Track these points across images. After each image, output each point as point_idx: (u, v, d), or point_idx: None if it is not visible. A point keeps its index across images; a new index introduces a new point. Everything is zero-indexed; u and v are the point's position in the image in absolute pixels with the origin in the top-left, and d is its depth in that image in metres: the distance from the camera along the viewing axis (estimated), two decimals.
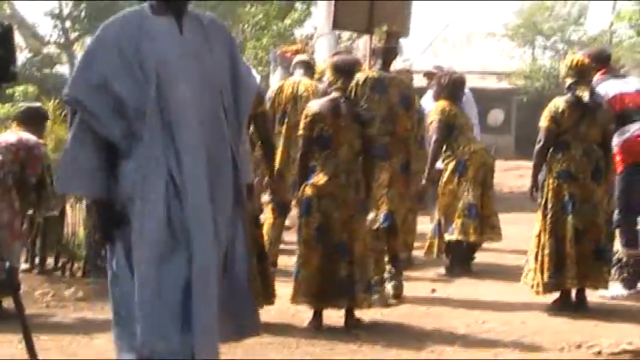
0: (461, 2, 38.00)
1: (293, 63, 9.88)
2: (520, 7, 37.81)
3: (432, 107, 9.71)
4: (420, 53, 34.89)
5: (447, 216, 9.25)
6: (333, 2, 10.28)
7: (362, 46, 17.45)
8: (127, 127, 4.11)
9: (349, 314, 7.15)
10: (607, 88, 8.10)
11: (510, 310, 7.77)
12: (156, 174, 4.07)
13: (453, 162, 9.26)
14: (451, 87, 9.52)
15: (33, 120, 8.30)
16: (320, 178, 7.00)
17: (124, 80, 4.11)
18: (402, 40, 10.06)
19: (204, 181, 4.12)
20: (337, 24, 10.67)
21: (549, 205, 7.52)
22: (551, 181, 7.54)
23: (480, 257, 9.82)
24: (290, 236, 10.17)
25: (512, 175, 21.23)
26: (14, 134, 8.04)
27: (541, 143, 7.63)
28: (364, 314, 7.30)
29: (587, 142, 7.52)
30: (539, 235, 7.58)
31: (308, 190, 7.01)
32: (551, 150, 7.60)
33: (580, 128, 7.48)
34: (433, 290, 8.67)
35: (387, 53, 8.43)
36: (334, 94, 7.17)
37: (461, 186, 9.20)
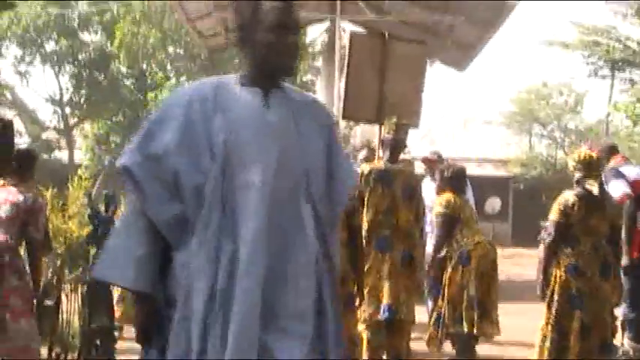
0: (458, 89, 38.30)
1: None
2: (517, 95, 38.12)
3: (430, 195, 9.69)
4: (417, 140, 35.05)
5: (453, 307, 9.17)
6: (338, 91, 10.30)
7: (359, 133, 17.56)
8: (181, 211, 3.56)
9: None
10: (628, 170, 8.16)
11: None
12: (203, 271, 3.47)
13: (458, 253, 9.21)
14: (455, 178, 9.50)
15: (22, 165, 7.37)
16: None
17: (186, 154, 3.58)
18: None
19: (257, 292, 3.42)
20: (347, 114, 10.68)
21: (555, 298, 7.45)
22: (559, 274, 7.47)
23: (479, 349, 9.72)
24: None
25: (509, 263, 21.10)
26: (4, 192, 7.13)
27: (551, 237, 7.52)
28: None
29: (596, 237, 7.47)
30: (543, 328, 7.51)
31: None
32: (560, 244, 7.55)
33: (589, 222, 7.44)
34: None
35: (396, 145, 8.41)
36: None
37: (465, 277, 9.15)
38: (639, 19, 25.13)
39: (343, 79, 10.79)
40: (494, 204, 32.60)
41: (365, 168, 8.04)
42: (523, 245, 22.56)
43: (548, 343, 7.40)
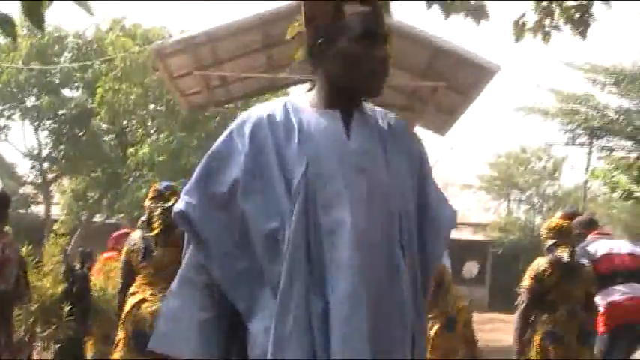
0: (438, 151, 38.45)
1: None
2: (496, 160, 38.32)
3: None
4: None
5: None
6: None
7: None
8: (251, 265, 2.88)
9: None
10: (597, 246, 8.16)
11: None
12: (295, 339, 2.78)
13: (443, 317, 9.20)
14: None
15: None
16: None
17: (257, 196, 2.88)
18: None
19: (366, 347, 2.78)
20: None
21: None
22: (536, 340, 7.46)
23: None
24: None
25: (487, 328, 21.06)
26: None
27: (524, 304, 7.55)
28: None
29: (572, 303, 7.48)
30: None
31: None
32: (536, 310, 7.55)
33: (563, 288, 7.45)
34: None
35: None
36: None
37: (451, 342, 9.14)
38: (617, 88, 25.37)
39: None
40: (471, 268, 32.59)
41: None
42: (500, 310, 22.50)
43: None
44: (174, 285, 3.08)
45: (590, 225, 8.63)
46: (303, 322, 2.77)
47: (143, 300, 6.48)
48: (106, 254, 9.96)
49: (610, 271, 8.04)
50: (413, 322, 2.93)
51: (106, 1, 28.32)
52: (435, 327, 9.18)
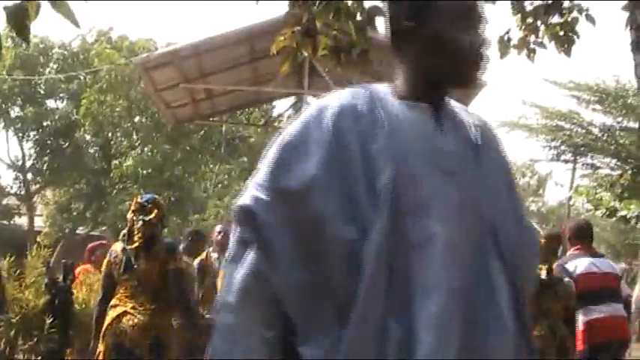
0: None
1: None
2: None
3: None
4: None
5: None
6: None
7: None
8: (318, 278, 2.38)
9: None
10: (577, 264, 8.13)
11: None
12: None
13: None
14: None
15: None
16: None
17: (334, 195, 2.40)
18: None
19: None
20: None
21: None
22: None
23: None
24: None
25: None
26: None
27: None
28: None
29: (551, 319, 7.48)
30: None
31: None
32: None
33: (541, 304, 7.44)
34: None
35: None
36: None
37: None
38: (601, 105, 25.50)
39: None
40: None
41: None
42: None
43: None
44: (228, 296, 2.51)
45: (582, 234, 8.57)
46: (377, 351, 2.29)
47: (124, 313, 6.43)
48: (81, 266, 9.88)
49: (588, 291, 8.03)
50: (517, 349, 2.45)
51: (93, 13, 28.28)
52: None
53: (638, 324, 19.74)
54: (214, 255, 9.81)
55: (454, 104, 2.68)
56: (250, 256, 2.49)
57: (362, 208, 2.38)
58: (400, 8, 2.59)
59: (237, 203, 2.58)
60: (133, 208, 6.82)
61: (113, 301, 6.57)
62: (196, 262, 9.22)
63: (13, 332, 8.54)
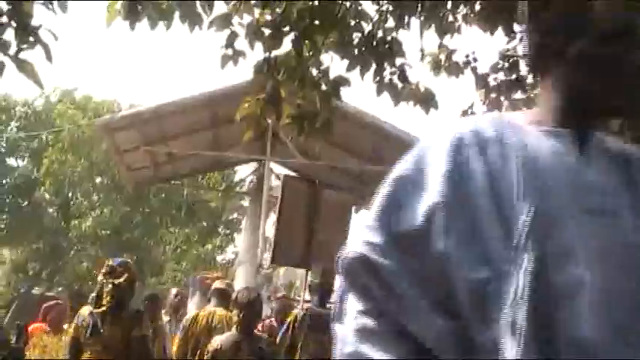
0: None
1: (211, 290, 9.78)
2: None
3: None
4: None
5: None
6: (264, 231, 10.45)
7: (282, 274, 17.55)
8: (456, 324, 2.04)
9: None
10: None
11: None
12: None
13: None
14: None
15: None
16: None
17: (460, 234, 2.06)
18: None
19: None
20: (276, 260, 10.95)
21: None
22: None
23: None
24: None
25: None
26: None
27: None
28: None
29: None
30: None
31: None
32: None
33: None
34: None
35: (324, 291, 8.53)
36: (233, 330, 7.17)
37: None
38: None
39: (272, 222, 11.15)
40: None
41: (299, 313, 8.09)
42: None
43: None
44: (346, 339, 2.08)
45: None
46: None
47: None
48: (33, 325, 9.71)
49: None
50: None
51: (58, 71, 28.31)
52: None
53: None
54: (166, 318, 9.77)
55: (608, 137, 2.25)
56: (375, 308, 2.11)
57: (493, 248, 1.99)
58: (545, 22, 2.19)
59: (347, 251, 2.18)
60: (103, 271, 6.74)
61: None
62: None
63: None
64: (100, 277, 6.78)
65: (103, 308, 6.50)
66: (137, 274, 7.03)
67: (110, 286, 6.53)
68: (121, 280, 6.54)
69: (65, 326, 10.13)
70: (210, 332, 8.87)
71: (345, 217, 10.80)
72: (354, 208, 18.13)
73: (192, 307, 12.10)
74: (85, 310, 6.65)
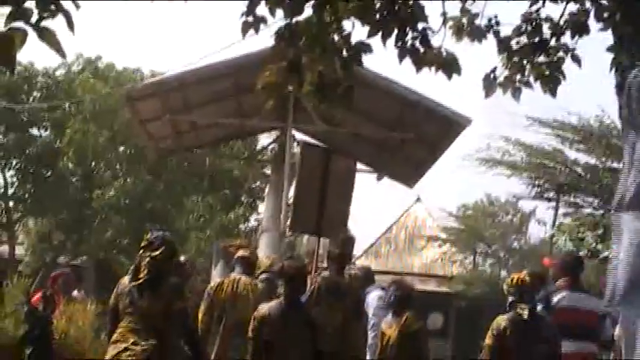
0: (404, 203, 38.58)
1: (234, 258, 9.77)
2: (463, 212, 38.36)
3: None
4: (362, 253, 35.08)
5: None
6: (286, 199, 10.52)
7: (305, 241, 17.58)
8: None
9: None
10: (561, 297, 8.14)
11: None
12: None
13: None
14: (413, 297, 9.83)
15: None
16: None
17: None
18: None
19: None
20: (294, 226, 11.04)
21: None
22: None
23: None
24: None
25: None
26: None
27: None
28: None
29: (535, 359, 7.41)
30: None
31: None
32: None
33: (525, 345, 7.38)
34: None
35: (343, 259, 8.63)
36: (281, 299, 7.21)
37: None
38: (585, 145, 25.56)
39: (292, 190, 11.22)
40: (435, 320, 32.52)
41: (320, 282, 8.18)
42: None
43: None
44: None
45: (572, 268, 8.62)
46: None
47: (125, 349, 6.28)
48: (37, 295, 9.70)
49: (561, 325, 8.01)
50: None
51: (80, 38, 28.21)
52: None
53: None
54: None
55: None
56: None
57: None
58: None
59: (605, 300, 1.90)
60: (142, 244, 6.73)
61: (115, 337, 6.44)
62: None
63: None
64: (140, 251, 6.75)
65: (140, 281, 6.50)
66: (175, 247, 6.98)
67: (147, 259, 6.52)
68: (157, 253, 6.53)
69: (75, 293, 10.22)
70: (235, 299, 8.90)
71: (349, 183, 10.89)
72: (376, 177, 18.11)
73: (215, 275, 12.16)
74: (126, 280, 6.66)
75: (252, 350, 7.11)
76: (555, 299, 8.09)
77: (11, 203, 30.58)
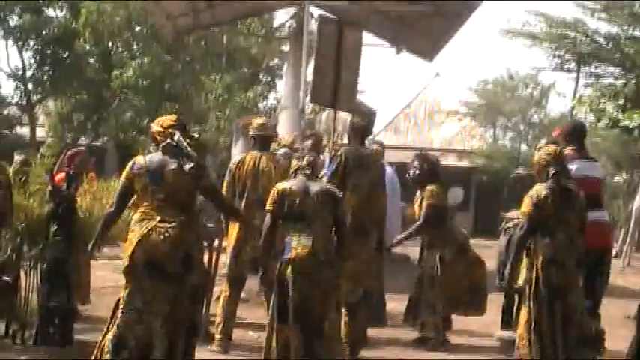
0: (424, 77, 38.33)
1: (250, 136, 9.65)
2: (482, 86, 38.19)
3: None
4: (381, 128, 35.07)
5: (456, 296, 9.39)
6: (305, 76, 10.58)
7: (324, 118, 17.57)
8: None
9: None
10: (575, 167, 8.16)
11: None
12: None
13: (455, 244, 9.46)
14: (439, 170, 9.94)
15: None
16: (297, 253, 6.92)
17: None
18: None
19: None
20: (313, 98, 11.27)
21: (533, 288, 7.36)
22: (537, 265, 7.39)
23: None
24: (244, 310, 9.98)
25: None
26: None
27: (524, 231, 7.46)
28: None
29: (569, 230, 7.44)
30: (524, 319, 7.41)
31: (284, 269, 6.93)
32: (537, 236, 7.47)
33: (563, 215, 7.40)
34: None
35: (365, 131, 8.76)
36: (303, 173, 7.25)
37: (464, 266, 9.43)
38: (606, 14, 25.25)
39: (311, 64, 11.29)
40: (456, 194, 32.67)
41: (346, 153, 8.26)
42: (483, 236, 22.65)
43: (531, 335, 7.31)
44: None
45: (577, 136, 8.66)
46: None
47: (154, 227, 6.18)
48: (58, 175, 9.71)
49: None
50: None
51: None
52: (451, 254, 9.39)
53: (638, 233, 19.91)
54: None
55: None
56: None
57: None
58: None
59: None
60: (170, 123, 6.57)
61: (138, 215, 6.28)
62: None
63: (18, 239, 8.62)
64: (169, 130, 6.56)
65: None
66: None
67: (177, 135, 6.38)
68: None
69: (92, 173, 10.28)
70: (256, 175, 8.96)
71: (357, 54, 10.97)
72: (395, 51, 18.00)
73: (235, 154, 12.22)
74: (141, 160, 6.41)
75: (268, 223, 7.15)
76: (572, 169, 8.10)
77: (30, 85, 30.61)
